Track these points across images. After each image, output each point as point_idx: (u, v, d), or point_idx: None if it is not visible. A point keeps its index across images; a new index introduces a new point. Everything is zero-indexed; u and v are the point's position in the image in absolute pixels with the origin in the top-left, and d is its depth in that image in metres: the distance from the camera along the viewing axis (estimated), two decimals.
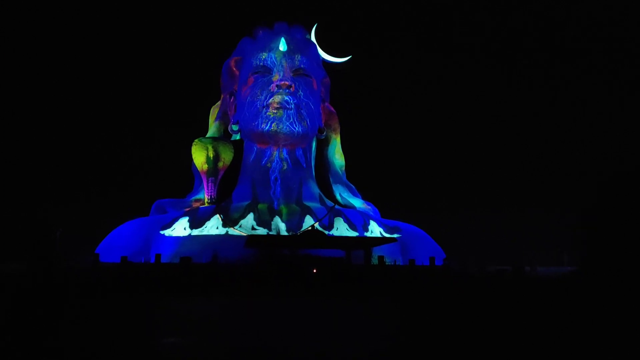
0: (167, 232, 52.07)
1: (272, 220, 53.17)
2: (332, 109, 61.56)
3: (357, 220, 54.85)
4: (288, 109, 54.57)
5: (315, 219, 53.41)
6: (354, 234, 53.02)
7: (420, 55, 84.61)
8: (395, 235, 53.38)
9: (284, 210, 54.38)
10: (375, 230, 54.92)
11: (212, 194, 56.41)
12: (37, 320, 19.55)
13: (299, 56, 56.71)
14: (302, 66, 56.54)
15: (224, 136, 60.22)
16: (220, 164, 56.69)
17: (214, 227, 52.22)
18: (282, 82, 54.25)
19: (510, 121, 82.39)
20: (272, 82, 54.83)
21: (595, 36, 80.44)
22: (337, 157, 61.04)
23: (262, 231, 51.73)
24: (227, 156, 57.11)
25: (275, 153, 56.83)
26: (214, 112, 61.35)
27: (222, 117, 60.64)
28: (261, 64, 56.27)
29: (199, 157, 56.37)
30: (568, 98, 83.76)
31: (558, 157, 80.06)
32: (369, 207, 59.16)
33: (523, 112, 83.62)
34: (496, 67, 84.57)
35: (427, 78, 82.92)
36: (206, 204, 55.94)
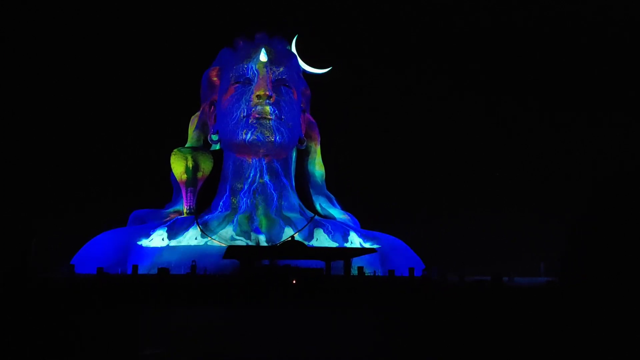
0: (145, 243, 51.51)
1: (251, 230, 53.00)
2: (313, 119, 61.77)
3: (337, 231, 54.95)
4: (268, 119, 54.60)
5: (295, 230, 53.34)
6: (334, 244, 53.03)
7: (401, 64, 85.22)
8: (374, 246, 53.48)
9: (264, 221, 54.24)
10: (354, 240, 55.05)
11: (191, 204, 56.08)
12: (10, 333, 19.11)
13: (280, 67, 56.83)
14: (282, 77, 56.66)
15: (204, 146, 60.00)
16: (200, 174, 56.44)
17: (192, 237, 51.86)
18: (263, 93, 54.28)
19: (490, 130, 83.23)
20: (253, 93, 54.84)
21: (592, 37, 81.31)
22: (317, 167, 61.24)
23: (241, 242, 51.49)
24: (206, 166, 56.88)
25: (255, 163, 56.75)
26: (193, 121, 61.11)
27: (202, 127, 60.44)
28: (241, 74, 56.25)
29: (178, 167, 56.05)
30: (557, 107, 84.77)
31: (537, 167, 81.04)
32: (349, 218, 59.33)
33: (505, 121, 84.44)
34: (480, 77, 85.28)
35: (407, 88, 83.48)
36: (185, 214, 55.56)
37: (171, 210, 57.12)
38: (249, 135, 54.64)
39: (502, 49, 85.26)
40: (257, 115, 54.37)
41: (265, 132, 54.56)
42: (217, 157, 58.77)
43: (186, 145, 59.18)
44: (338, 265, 46.34)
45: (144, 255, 50.15)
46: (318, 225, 55.23)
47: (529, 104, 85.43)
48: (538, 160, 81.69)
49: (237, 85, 56.04)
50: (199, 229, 52.35)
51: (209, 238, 51.53)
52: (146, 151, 71.76)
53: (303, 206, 58.89)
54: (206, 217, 55.05)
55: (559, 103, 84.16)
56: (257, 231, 52.71)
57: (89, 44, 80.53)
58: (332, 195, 60.74)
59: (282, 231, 53.14)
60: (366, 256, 48.78)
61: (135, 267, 45.76)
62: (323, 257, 47.02)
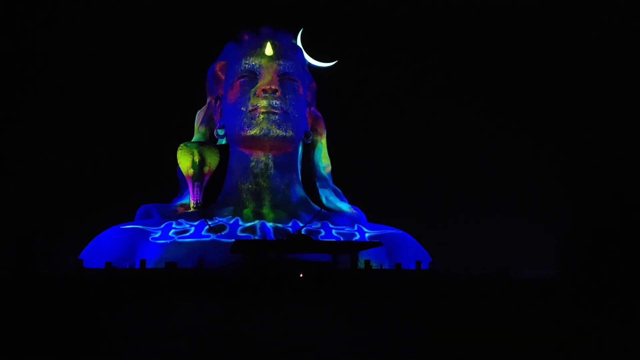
0: (153, 238, 51.70)
1: (258, 225, 53.07)
2: (318, 113, 61.69)
3: (344, 225, 55.00)
4: (274, 113, 54.57)
5: (302, 224, 53.41)
6: (341, 238, 53.05)
7: (409, 59, 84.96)
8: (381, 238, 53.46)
9: (270, 215, 54.36)
10: (361, 234, 54.99)
11: (198, 198, 56.20)
12: (20, 328, 19.35)
13: (285, 61, 56.71)
14: (288, 71, 56.57)
15: (210, 141, 60.08)
16: (206, 169, 56.52)
17: (199, 232, 52.02)
18: (268, 87, 54.21)
19: (499, 126, 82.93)
20: (258, 87, 54.79)
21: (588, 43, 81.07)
22: (323, 161, 61.19)
23: (248, 236, 51.59)
24: (212, 161, 56.95)
25: (262, 157, 56.77)
26: (199, 116, 61.20)
27: (208, 122, 60.53)
28: (247, 68, 56.22)
29: (185, 161, 56.16)
30: (557, 104, 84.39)
31: (541, 164, 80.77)
32: (355, 211, 59.29)
33: (511, 119, 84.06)
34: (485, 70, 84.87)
35: (415, 83, 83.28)
36: (192, 209, 55.73)
37: (178, 204, 57.32)
38: (255, 129, 54.65)
39: (509, 47, 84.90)
40: (262, 110, 54.36)
41: (271, 126, 54.53)
42: (224, 151, 58.86)
43: (192, 140, 59.28)
44: (345, 259, 46.45)
45: (152, 249, 50.38)
46: (324, 219, 55.29)
47: (532, 104, 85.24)
48: (540, 157, 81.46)
49: (243, 79, 56.04)
50: (206, 224, 52.54)
51: (216, 232, 51.68)
52: (153, 146, 72.05)
53: (309, 200, 58.94)
54: (213, 211, 55.22)
55: (561, 103, 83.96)
56: (264, 225, 52.84)
57: (93, 40, 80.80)
58: (338, 189, 60.74)
59: (288, 225, 53.24)
60: (373, 249, 48.84)
61: (143, 262, 45.99)
62: (330, 250, 47.12)
